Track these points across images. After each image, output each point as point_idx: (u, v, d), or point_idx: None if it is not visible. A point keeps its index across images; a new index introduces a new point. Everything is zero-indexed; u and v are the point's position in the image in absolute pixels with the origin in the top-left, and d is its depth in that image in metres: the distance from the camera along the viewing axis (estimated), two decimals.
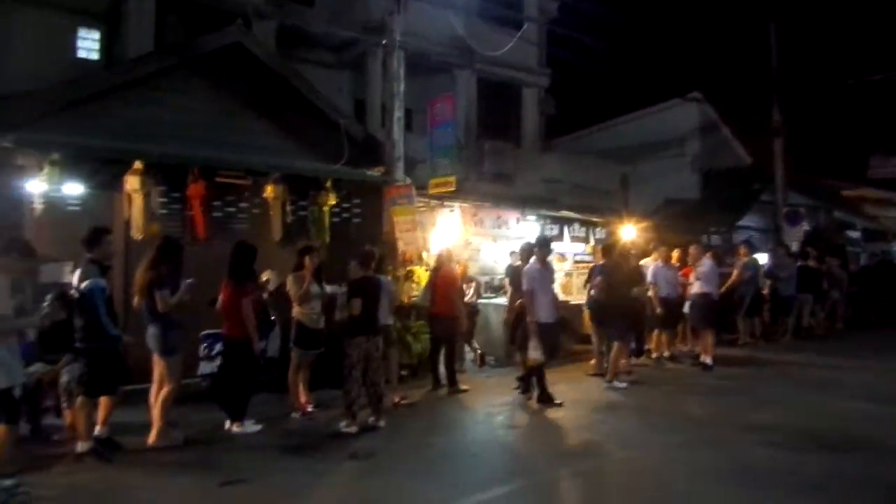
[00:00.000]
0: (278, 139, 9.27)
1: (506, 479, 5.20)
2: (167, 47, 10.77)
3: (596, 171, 17.35)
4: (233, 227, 8.36)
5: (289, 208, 8.61)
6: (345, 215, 9.36)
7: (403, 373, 8.55)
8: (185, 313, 6.03)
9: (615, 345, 8.59)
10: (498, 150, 16.04)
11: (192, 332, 7.02)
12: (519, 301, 7.98)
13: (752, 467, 5.38)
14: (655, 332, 10.42)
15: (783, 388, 8.49)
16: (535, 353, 7.36)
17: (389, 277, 7.50)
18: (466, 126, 16.10)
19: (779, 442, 6.02)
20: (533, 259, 7.80)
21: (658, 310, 10.04)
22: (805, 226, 16.55)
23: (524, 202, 12.88)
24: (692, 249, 10.69)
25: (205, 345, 7.46)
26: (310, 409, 7.03)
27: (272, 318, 7.39)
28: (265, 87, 9.17)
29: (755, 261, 12.65)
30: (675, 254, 10.89)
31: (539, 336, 7.35)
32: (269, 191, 8.39)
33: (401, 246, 9.04)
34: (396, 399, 7.44)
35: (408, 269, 9.14)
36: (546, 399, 7.51)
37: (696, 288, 10.24)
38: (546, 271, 7.76)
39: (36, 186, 6.98)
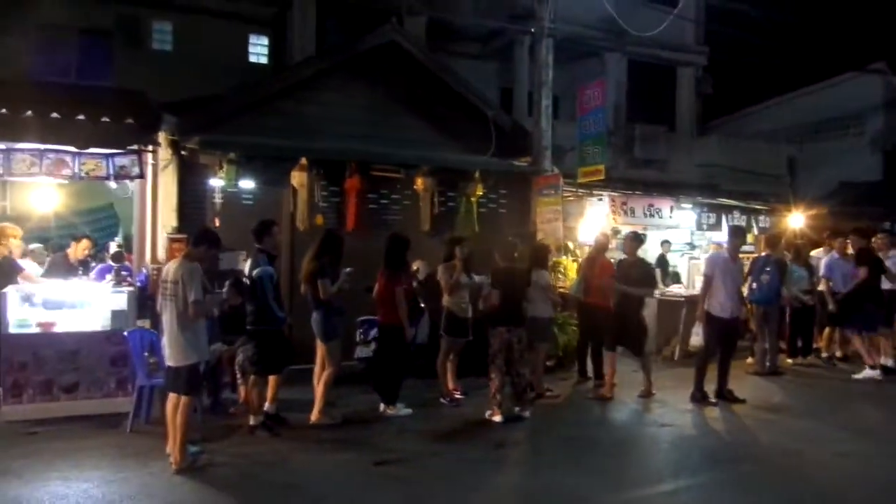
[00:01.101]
0: (429, 132, 9.53)
1: (660, 478, 5.08)
2: (328, 49, 11.44)
3: (759, 155, 16.16)
4: (386, 219, 8.77)
5: (437, 200, 8.88)
6: (492, 206, 9.48)
7: (549, 364, 8.53)
8: (344, 300, 6.43)
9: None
10: (649, 135, 15.44)
11: (351, 317, 7.46)
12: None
13: None
14: (827, 330, 9.58)
15: None
16: (696, 339, 7.23)
17: (543, 271, 7.47)
18: (615, 111, 15.62)
19: None
20: (725, 248, 7.72)
21: (831, 306, 9.20)
22: None
23: (679, 189, 12.31)
24: (877, 239, 9.65)
25: (361, 330, 7.90)
26: (457, 395, 7.23)
27: (422, 305, 7.67)
28: (417, 82, 9.46)
29: None
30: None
31: (708, 328, 7.16)
32: (419, 183, 8.69)
33: (540, 236, 9.00)
34: (542, 390, 7.45)
35: (554, 260, 9.08)
36: (700, 395, 7.20)
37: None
38: (733, 264, 7.38)
39: (216, 183, 7.75)
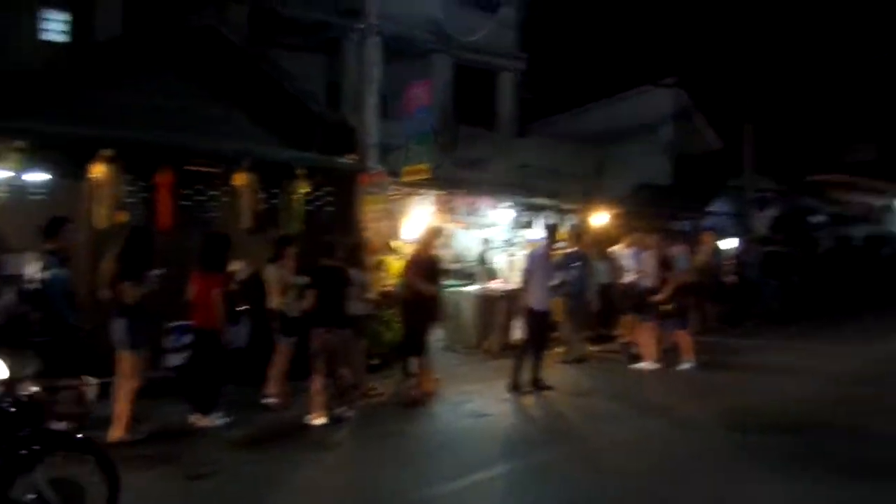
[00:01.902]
0: (250, 126, 9.16)
1: (477, 466, 5.31)
2: (137, 30, 10.54)
3: (570, 156, 17.41)
4: (203, 216, 8.27)
5: (260, 196, 8.56)
6: (318, 203, 9.32)
7: (375, 362, 8.61)
8: (154, 305, 6.00)
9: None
10: (473, 136, 16.02)
11: (159, 324, 6.98)
12: None
13: (720, 449, 5.61)
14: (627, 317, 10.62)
15: (748, 373, 8.75)
16: (518, 333, 7.62)
17: (358, 269, 7.48)
18: (442, 111, 16.03)
19: (743, 424, 6.25)
20: (541, 244, 7.99)
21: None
22: (772, 211, 16.86)
23: (498, 189, 12.93)
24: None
25: (172, 337, 7.42)
26: (280, 400, 7.06)
27: (241, 308, 7.37)
28: (237, 73, 9.04)
29: (721, 248, 12.89)
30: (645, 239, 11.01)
31: (527, 321, 7.57)
32: (239, 179, 8.31)
33: (368, 235, 9.03)
34: (365, 389, 7.50)
35: (378, 258, 9.14)
36: (516, 387, 7.66)
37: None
38: (549, 259, 7.90)
39: None
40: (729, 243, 14.21)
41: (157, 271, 5.90)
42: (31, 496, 3.43)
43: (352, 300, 6.94)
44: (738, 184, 17.25)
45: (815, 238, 17.42)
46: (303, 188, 8.77)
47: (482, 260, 12.52)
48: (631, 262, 10.26)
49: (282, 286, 6.86)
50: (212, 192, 8.46)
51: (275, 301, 6.94)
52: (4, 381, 3.68)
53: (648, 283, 9.67)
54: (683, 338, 9.19)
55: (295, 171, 8.71)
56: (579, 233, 10.27)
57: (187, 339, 7.00)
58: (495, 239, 13.05)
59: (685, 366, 8.96)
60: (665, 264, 9.35)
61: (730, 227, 16.65)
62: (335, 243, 6.84)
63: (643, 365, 8.90)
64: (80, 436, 3.90)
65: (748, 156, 16.79)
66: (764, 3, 17.28)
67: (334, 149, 9.47)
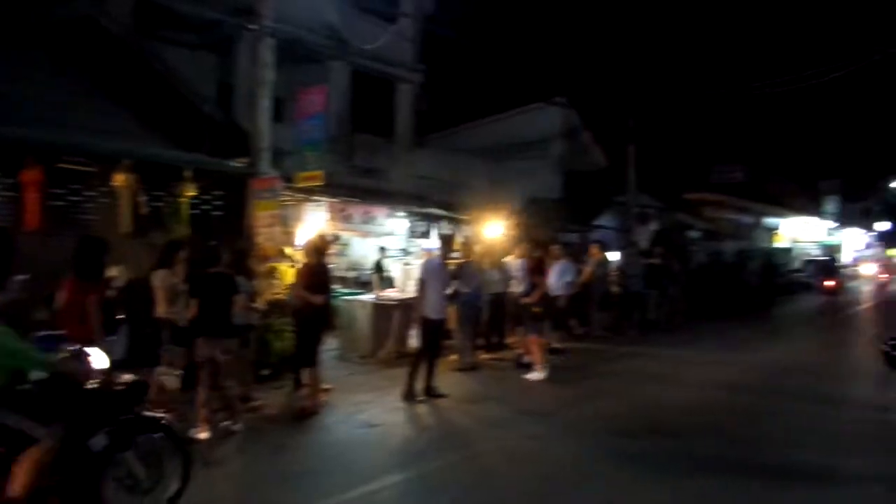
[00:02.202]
0: (132, 123, 8.68)
1: (369, 477, 5.24)
2: (4, 16, 9.72)
3: (466, 169, 17.73)
4: (77, 218, 7.74)
5: (142, 199, 8.10)
6: (205, 207, 8.95)
7: (265, 372, 8.34)
8: (17, 314, 5.49)
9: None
10: (370, 145, 15.96)
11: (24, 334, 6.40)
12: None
13: (606, 453, 5.84)
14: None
15: (631, 379, 9.18)
16: (413, 342, 7.61)
17: (245, 277, 7.21)
18: (339, 118, 15.88)
19: (628, 430, 6.54)
20: (436, 254, 8.01)
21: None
22: (653, 226, 17.91)
23: (394, 198, 12.93)
24: (553, 249, 11.24)
25: (38, 348, 6.81)
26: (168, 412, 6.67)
27: (119, 317, 6.91)
28: (119, 67, 8.54)
29: (607, 259, 13.53)
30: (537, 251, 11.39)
31: (422, 330, 7.57)
32: (119, 179, 7.84)
33: (259, 241, 8.77)
34: (253, 401, 7.23)
35: (270, 265, 8.88)
36: (410, 394, 7.65)
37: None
38: (443, 268, 7.95)
39: None
40: (614, 256, 14.95)
41: (20, 277, 5.42)
42: (122, 471, 4.02)
43: (238, 309, 6.68)
44: (623, 200, 18.20)
45: (691, 252, 18.67)
46: (189, 191, 8.40)
47: (378, 268, 12.47)
48: (521, 272, 10.57)
49: (170, 294, 6.49)
50: (88, 193, 7.93)
51: (162, 310, 6.56)
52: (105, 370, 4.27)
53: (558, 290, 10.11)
54: (536, 344, 9.29)
55: (181, 172, 8.33)
56: (473, 243, 10.43)
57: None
58: (391, 248, 13.05)
59: (534, 375, 8.97)
60: (537, 271, 9.58)
61: (615, 240, 17.53)
62: (221, 249, 6.54)
63: (533, 375, 9.10)
64: (160, 418, 4.53)
65: (631, 174, 17.76)
66: (644, 32, 18.41)
67: (225, 151, 9.14)
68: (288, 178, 9.80)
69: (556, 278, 10.75)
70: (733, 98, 16.66)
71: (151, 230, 8.09)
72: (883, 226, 49.32)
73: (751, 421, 7.08)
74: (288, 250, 9.37)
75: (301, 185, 9.71)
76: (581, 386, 8.74)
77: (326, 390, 7.95)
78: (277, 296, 8.68)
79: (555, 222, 16.36)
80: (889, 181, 42.23)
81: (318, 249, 7.31)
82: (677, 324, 14.98)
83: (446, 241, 8.55)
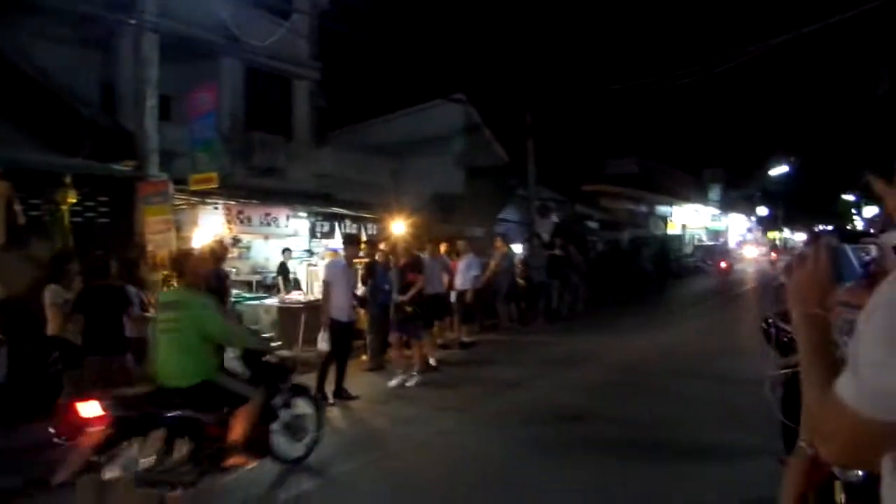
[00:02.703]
0: (2, 127, 7.99)
1: (281, 485, 5.11)
2: None
3: (368, 166, 17.60)
4: None
5: (17, 208, 7.48)
6: (89, 215, 8.39)
7: None
8: None
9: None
10: (268, 143, 15.50)
11: None
12: None
13: (515, 442, 5.94)
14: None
15: (538, 369, 9.40)
16: (323, 345, 7.42)
17: (138, 287, 6.83)
18: (233, 117, 15.32)
19: (536, 418, 6.71)
20: (340, 255, 7.84)
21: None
22: (554, 218, 18.45)
23: (295, 198, 12.63)
24: (460, 244, 11.37)
25: None
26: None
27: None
28: None
29: (511, 252, 13.82)
30: (443, 247, 11.47)
31: (330, 332, 7.41)
32: None
33: (151, 248, 8.31)
34: None
35: (164, 273, 8.45)
36: (320, 397, 7.49)
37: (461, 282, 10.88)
38: (349, 269, 7.81)
39: None
40: (517, 248, 15.29)
41: None
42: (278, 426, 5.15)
43: (131, 322, 6.31)
44: (524, 193, 18.62)
45: (590, 242, 19.38)
46: (70, 198, 7.84)
47: (282, 271, 12.16)
48: (434, 270, 10.61)
49: (63, 310, 6.03)
50: None
51: (54, 328, 6.09)
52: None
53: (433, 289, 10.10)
54: (419, 348, 8.99)
55: (61, 178, 7.76)
56: (378, 242, 10.35)
57: None
58: (295, 249, 12.75)
59: (406, 379, 8.52)
60: (413, 269, 8.96)
61: (518, 233, 17.93)
62: (109, 259, 6.15)
63: (396, 381, 8.52)
64: (305, 385, 6.00)
65: (531, 168, 18.21)
66: (538, 30, 18.86)
67: (108, 154, 8.60)
68: (180, 181, 9.36)
69: (463, 273, 10.87)
70: (624, 93, 17.37)
71: (30, 241, 7.49)
72: (762, 211, 53.28)
73: (647, 401, 7.41)
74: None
75: (194, 187, 9.30)
76: (490, 378, 8.87)
77: None
78: None
79: (459, 217, 16.51)
80: (767, 169, 45.57)
81: (214, 256, 7.01)
82: (580, 311, 15.53)
83: (350, 241, 8.40)
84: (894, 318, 0.99)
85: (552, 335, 12.39)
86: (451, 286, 11.19)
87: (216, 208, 10.01)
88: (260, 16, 14.50)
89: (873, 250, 1.47)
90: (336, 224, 11.98)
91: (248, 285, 13.09)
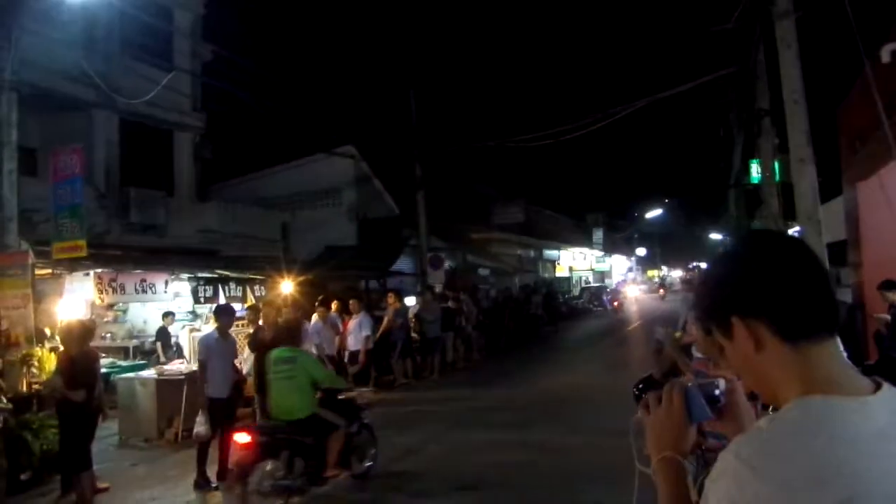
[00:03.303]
0: None
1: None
2: None
3: (256, 220, 17.12)
4: None
5: None
6: None
7: (24, 477, 7.14)
8: None
9: None
10: (147, 199, 14.73)
11: None
12: None
13: None
14: None
15: (431, 429, 9.27)
16: (200, 429, 6.91)
17: None
18: (108, 171, 14.49)
19: (427, 489, 6.55)
20: (214, 328, 7.36)
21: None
22: (446, 267, 18.61)
23: (176, 258, 12.01)
24: (352, 303, 11.20)
25: None
26: None
27: None
28: None
29: (405, 307, 13.76)
30: (335, 305, 11.25)
31: (209, 411, 6.93)
32: None
33: (5, 325, 7.53)
34: None
35: (24, 352, 7.69)
36: (203, 482, 6.99)
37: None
38: (225, 342, 7.33)
39: None
40: (410, 301, 15.25)
41: None
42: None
43: None
44: (417, 244, 18.73)
45: (482, 290, 19.69)
46: None
47: (161, 336, 11.43)
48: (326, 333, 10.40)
49: None
50: None
51: None
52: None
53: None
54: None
55: None
56: (264, 305, 9.96)
57: None
58: (176, 311, 12.07)
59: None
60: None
61: (411, 285, 17.93)
62: None
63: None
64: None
65: (422, 219, 18.36)
66: (428, 81, 19.26)
67: None
68: (44, 243, 8.63)
69: (355, 334, 10.69)
70: (507, 146, 17.99)
71: None
72: (641, 251, 56.57)
73: (536, 462, 7.41)
74: (47, 332, 8.20)
75: (58, 256, 8.57)
76: (385, 444, 8.63)
77: (103, 489, 7.01)
78: (35, 387, 7.54)
79: (353, 270, 16.31)
80: (643, 212, 48.56)
81: (79, 336, 6.44)
82: (475, 362, 15.63)
83: (223, 311, 7.92)
84: (733, 490, 0.99)
85: (446, 390, 12.34)
86: (342, 346, 10.95)
87: (86, 275, 9.29)
88: (137, 69, 13.89)
89: (721, 384, 1.52)
90: (220, 286, 11.42)
91: (124, 352, 12.21)
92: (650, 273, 58.88)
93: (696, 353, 4.08)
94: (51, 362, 7.72)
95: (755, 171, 11.74)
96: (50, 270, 8.84)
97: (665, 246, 59.57)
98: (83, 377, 6.22)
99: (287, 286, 12.21)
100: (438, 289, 16.65)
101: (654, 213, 47.78)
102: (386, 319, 12.72)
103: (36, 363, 7.74)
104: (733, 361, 1.18)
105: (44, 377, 7.67)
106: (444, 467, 7.37)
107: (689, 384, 1.38)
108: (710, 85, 11.92)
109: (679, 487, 1.27)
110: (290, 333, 6.76)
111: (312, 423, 5.99)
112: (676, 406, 1.32)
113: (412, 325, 13.82)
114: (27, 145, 9.92)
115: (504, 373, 14.08)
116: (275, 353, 6.38)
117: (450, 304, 15.20)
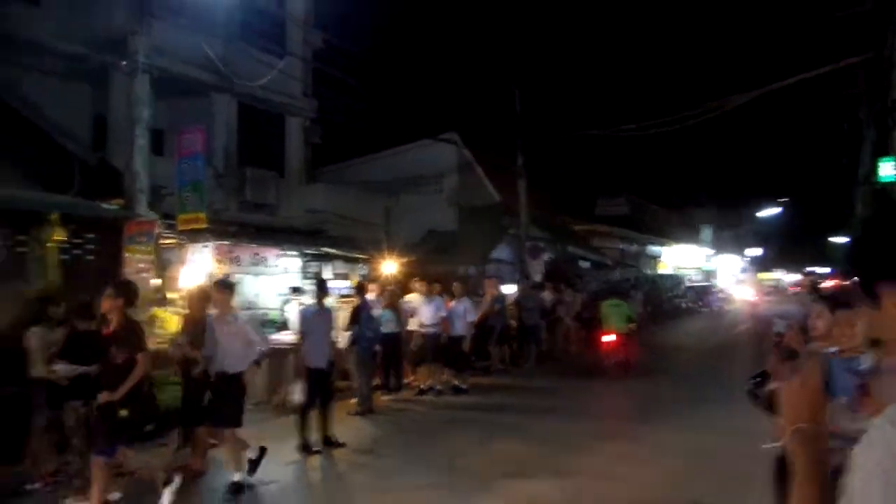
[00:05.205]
0: None
1: None
2: None
3: (360, 202, 17.55)
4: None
5: (2, 245, 7.36)
6: (76, 252, 8.25)
7: (147, 428, 7.69)
8: None
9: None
10: (260, 179, 15.46)
11: None
12: None
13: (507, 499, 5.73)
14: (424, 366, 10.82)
15: (528, 415, 9.21)
16: (297, 396, 7.22)
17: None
18: (226, 153, 15.29)
19: (526, 472, 6.49)
20: (310, 299, 7.67)
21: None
22: (545, 258, 18.40)
23: (285, 236, 12.52)
24: (455, 286, 11.31)
25: None
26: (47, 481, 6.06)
27: None
28: None
29: (503, 293, 13.71)
30: (437, 287, 11.38)
31: (308, 380, 7.22)
32: None
33: None
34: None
35: (149, 314, 8.27)
36: (306, 446, 7.29)
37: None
38: (322, 314, 7.62)
39: None
40: (509, 289, 15.18)
41: None
42: None
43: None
44: (517, 233, 18.61)
45: (584, 282, 19.31)
46: (58, 236, 7.71)
47: (283, 309, 11.93)
48: (427, 309, 10.52)
49: (47, 352, 5.91)
50: None
51: (39, 369, 5.95)
52: None
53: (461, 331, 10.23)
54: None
55: (47, 216, 7.64)
56: (366, 283, 10.23)
57: None
58: (288, 287, 12.60)
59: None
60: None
61: (509, 273, 17.85)
62: (92, 302, 6.01)
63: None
64: None
65: (523, 208, 18.23)
66: (529, 76, 19.04)
67: (97, 192, 8.50)
68: (171, 216, 9.26)
69: (460, 318, 10.77)
70: (614, 136, 17.52)
71: (15, 279, 7.35)
72: (753, 252, 53.57)
73: (636, 454, 7.24)
74: (172, 296, 8.80)
75: (182, 227, 9.18)
76: (479, 427, 8.66)
77: (215, 445, 7.44)
78: (159, 345, 8.08)
79: (452, 256, 16.44)
80: (757, 209, 45.94)
81: (200, 300, 6.85)
82: (572, 353, 15.38)
83: (321, 286, 8.17)
84: (886, 458, 0.93)
85: (542, 379, 12.22)
86: (445, 329, 10.97)
87: (205, 247, 9.88)
88: (253, 55, 14.58)
89: (866, 360, 1.42)
90: (326, 264, 11.83)
91: None
92: (761, 276, 55.72)
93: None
94: (173, 324, 8.27)
95: (888, 168, 10.81)
96: (174, 240, 9.45)
97: (780, 248, 56.19)
98: (204, 339, 6.61)
99: (389, 266, 12.49)
100: (538, 278, 16.49)
101: (768, 212, 45.14)
102: (485, 306, 12.72)
103: (160, 324, 8.32)
104: (883, 330, 1.15)
105: (167, 337, 8.22)
106: (537, 452, 7.28)
107: (831, 358, 1.33)
108: (834, 75, 11.09)
109: (815, 458, 1.23)
110: None
111: None
112: (815, 377, 1.29)
113: (510, 312, 13.75)
114: (155, 127, 10.63)
115: (599, 367, 13.77)
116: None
117: (547, 293, 15.02)
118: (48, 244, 7.72)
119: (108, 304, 5.47)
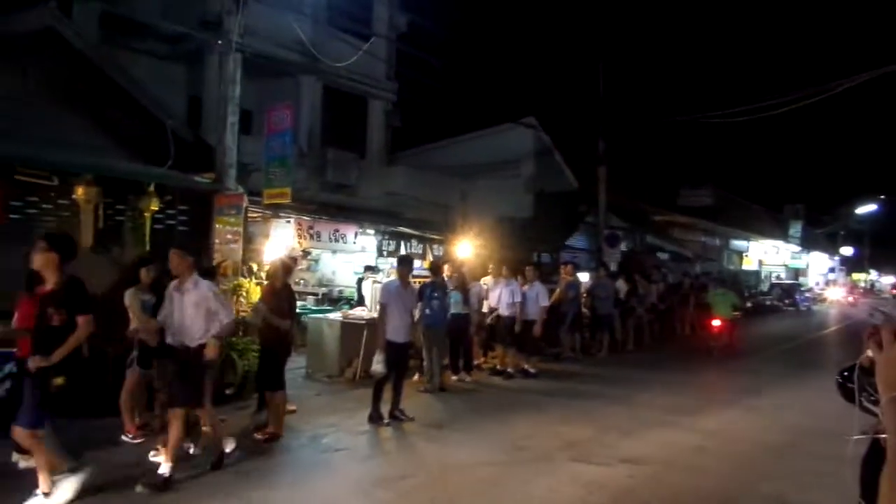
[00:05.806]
0: (94, 135, 8.49)
1: None
2: None
3: (438, 186, 17.73)
4: (37, 232, 7.48)
5: (103, 213, 7.90)
6: (169, 222, 8.76)
7: (228, 391, 8.14)
8: None
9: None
10: (342, 160, 15.87)
11: None
12: None
13: (568, 481, 5.73)
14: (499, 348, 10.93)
15: (595, 403, 9.13)
16: (377, 367, 7.40)
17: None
18: (310, 133, 15.77)
19: (586, 458, 6.47)
20: (397, 276, 7.86)
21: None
22: (622, 247, 18.04)
23: (363, 216, 12.82)
24: (528, 269, 11.29)
25: None
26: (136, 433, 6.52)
27: None
28: (80, 77, 8.35)
29: (577, 280, 13.57)
30: (506, 271, 11.38)
31: (386, 353, 7.41)
32: (79, 192, 7.63)
33: (218, 258, 8.57)
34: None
35: (234, 283, 8.69)
36: (377, 416, 7.51)
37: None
38: (405, 290, 7.80)
39: None
40: (584, 277, 15.01)
41: None
42: None
43: None
44: (593, 221, 18.32)
45: (660, 273, 18.81)
46: (153, 205, 8.21)
47: (360, 285, 12.27)
48: (501, 293, 10.58)
49: (141, 313, 6.33)
50: (47, 206, 7.71)
51: (135, 325, 6.39)
52: None
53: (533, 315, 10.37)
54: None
55: (144, 187, 8.14)
56: (441, 263, 10.35)
57: (8, 368, 6.24)
58: (363, 266, 12.94)
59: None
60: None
61: (585, 261, 17.62)
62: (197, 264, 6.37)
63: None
64: None
65: (601, 195, 17.91)
66: (615, 57, 18.62)
67: (191, 165, 8.97)
68: (256, 193, 9.67)
69: (531, 302, 10.76)
70: (699, 124, 16.92)
71: (114, 245, 7.88)
72: (847, 251, 50.60)
73: (705, 447, 7.07)
74: (254, 267, 9.20)
75: (267, 202, 9.57)
76: (547, 411, 8.66)
77: (291, 411, 7.78)
78: (242, 314, 8.50)
79: (527, 242, 16.38)
80: (852, 207, 43.36)
81: (283, 271, 7.15)
82: (645, 344, 15.08)
83: (406, 262, 8.35)
84: None
85: (614, 368, 12.05)
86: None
87: (288, 222, 10.27)
88: (340, 37, 14.93)
89: None
90: (402, 243, 12.06)
91: (314, 297, 13.36)
92: (855, 276, 52.58)
93: None
94: (256, 293, 8.67)
95: None
96: (259, 214, 9.86)
97: (876, 247, 52.85)
98: (285, 308, 6.91)
99: (463, 248, 12.58)
100: (613, 267, 16.21)
101: (865, 208, 42.49)
102: (558, 290, 12.63)
103: (243, 293, 8.74)
104: None
105: (249, 306, 8.63)
106: (606, 440, 7.23)
107: None
108: None
109: None
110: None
111: None
112: None
113: (584, 300, 13.61)
114: (244, 107, 11.11)
115: (671, 360, 13.44)
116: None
117: (622, 283, 14.75)
118: (145, 213, 8.22)
119: (40, 259, 4.66)
